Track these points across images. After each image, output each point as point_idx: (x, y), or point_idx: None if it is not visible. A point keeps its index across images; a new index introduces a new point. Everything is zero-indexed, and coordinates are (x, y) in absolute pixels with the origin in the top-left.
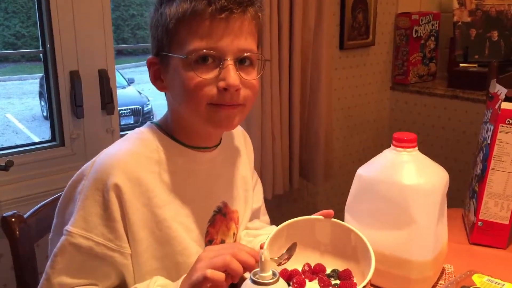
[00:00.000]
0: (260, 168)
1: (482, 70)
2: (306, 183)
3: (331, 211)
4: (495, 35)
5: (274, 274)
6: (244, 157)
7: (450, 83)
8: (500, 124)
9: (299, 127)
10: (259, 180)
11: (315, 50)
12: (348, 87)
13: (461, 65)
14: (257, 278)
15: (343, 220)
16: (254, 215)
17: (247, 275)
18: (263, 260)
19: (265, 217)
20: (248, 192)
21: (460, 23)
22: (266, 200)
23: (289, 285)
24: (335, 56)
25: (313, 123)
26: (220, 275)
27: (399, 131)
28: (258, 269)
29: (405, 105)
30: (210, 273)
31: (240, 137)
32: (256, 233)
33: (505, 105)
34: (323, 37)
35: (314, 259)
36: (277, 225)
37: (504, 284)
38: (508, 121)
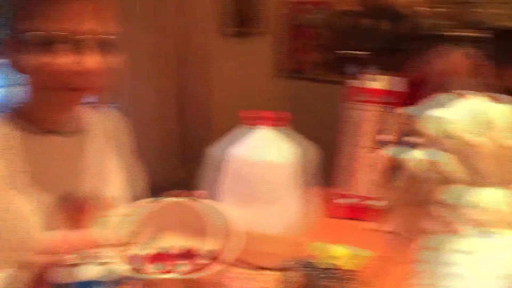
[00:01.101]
0: (136, 156)
1: (362, 55)
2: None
3: (201, 192)
4: (379, 23)
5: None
6: (109, 142)
7: (332, 69)
8: (355, 102)
9: (177, 116)
10: (133, 167)
11: (194, 37)
12: (233, 77)
13: (342, 52)
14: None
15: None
16: (122, 203)
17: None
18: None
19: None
20: (111, 179)
21: (347, 12)
22: (143, 189)
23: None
24: (219, 44)
25: (192, 113)
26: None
27: None
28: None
29: (294, 92)
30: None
31: (105, 121)
32: (123, 221)
33: (357, 84)
34: (201, 23)
35: (177, 242)
36: None
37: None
38: (360, 97)
